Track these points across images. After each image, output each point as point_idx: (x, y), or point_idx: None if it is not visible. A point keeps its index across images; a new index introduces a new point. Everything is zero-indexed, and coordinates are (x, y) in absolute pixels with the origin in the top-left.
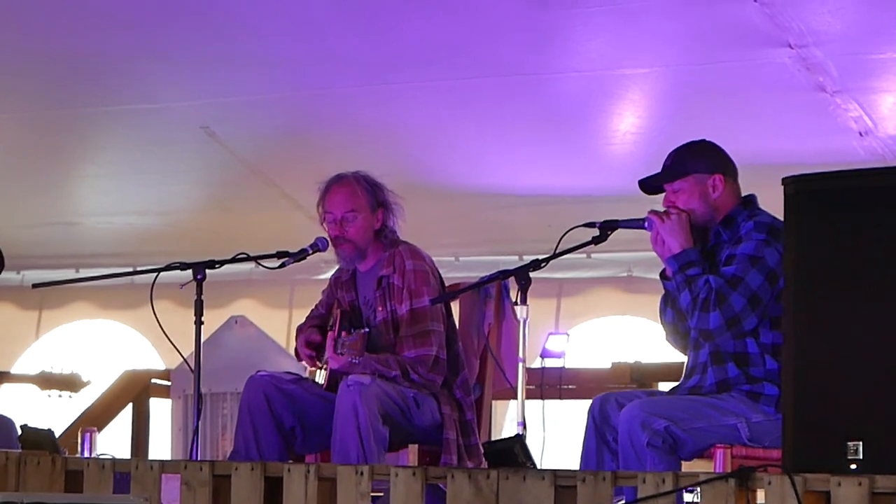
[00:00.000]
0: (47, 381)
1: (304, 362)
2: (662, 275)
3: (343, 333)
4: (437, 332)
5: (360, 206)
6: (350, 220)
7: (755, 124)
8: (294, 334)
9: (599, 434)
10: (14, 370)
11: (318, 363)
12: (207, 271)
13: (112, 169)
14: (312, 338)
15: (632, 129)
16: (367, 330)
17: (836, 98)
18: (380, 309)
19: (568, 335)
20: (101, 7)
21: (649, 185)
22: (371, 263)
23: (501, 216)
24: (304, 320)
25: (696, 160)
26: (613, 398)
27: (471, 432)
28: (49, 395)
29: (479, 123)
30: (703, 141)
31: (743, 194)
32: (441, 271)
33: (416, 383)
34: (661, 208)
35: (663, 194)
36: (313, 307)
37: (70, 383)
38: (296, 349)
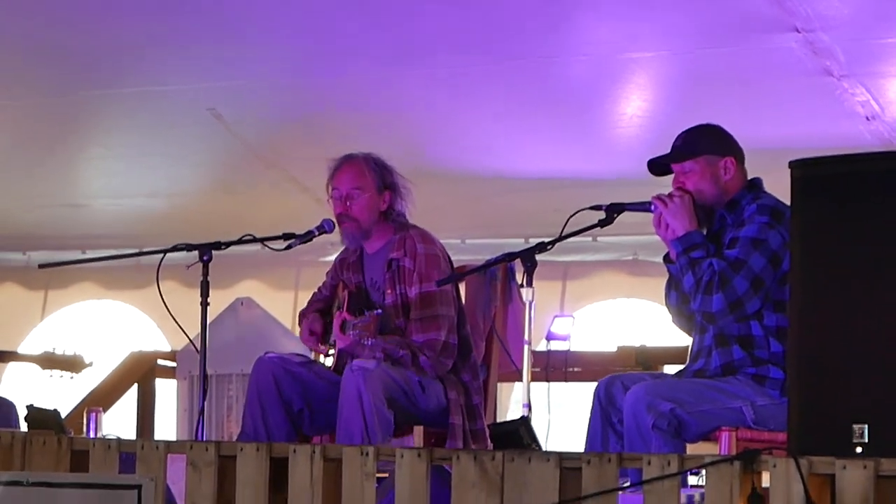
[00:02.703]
0: (50, 361)
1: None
2: (666, 258)
3: (348, 315)
4: (448, 317)
5: (365, 184)
6: (355, 198)
7: (762, 108)
8: (299, 317)
9: (605, 416)
10: (20, 350)
11: (321, 349)
12: (213, 252)
13: (119, 151)
14: (314, 327)
15: (638, 112)
16: (380, 311)
17: (843, 82)
18: (389, 291)
19: (573, 318)
20: None
21: (657, 167)
22: (379, 245)
23: (508, 199)
24: (306, 304)
25: (708, 142)
26: (619, 380)
27: (477, 416)
28: (51, 376)
29: (486, 108)
30: (712, 124)
31: (748, 178)
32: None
33: (424, 367)
34: (668, 191)
35: (671, 176)
36: (316, 289)
37: (72, 364)
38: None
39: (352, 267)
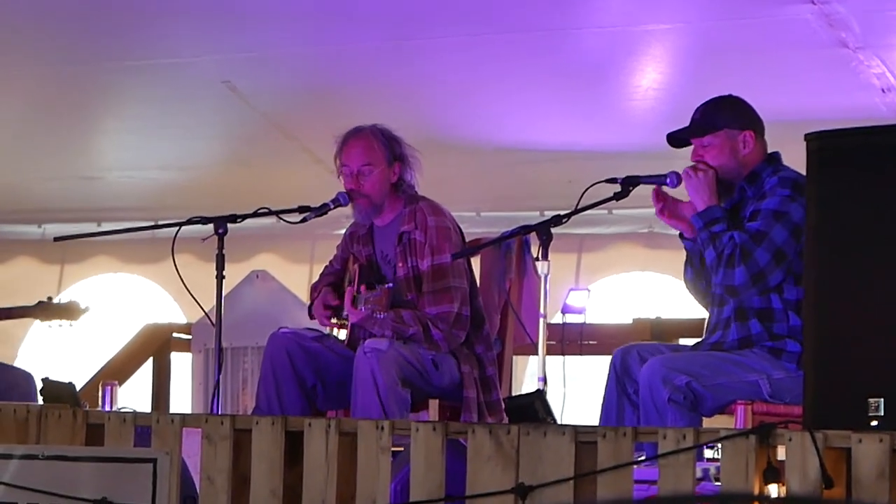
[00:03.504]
0: (46, 310)
1: (318, 321)
2: (681, 235)
3: (362, 288)
4: (460, 289)
5: (376, 159)
6: (366, 174)
7: (777, 81)
8: (310, 291)
9: (620, 386)
10: (35, 324)
11: (335, 323)
12: (229, 226)
13: (134, 123)
14: (328, 300)
15: (654, 85)
16: (391, 285)
17: (858, 54)
18: (400, 265)
19: (589, 291)
20: None
21: (676, 139)
22: (389, 218)
23: (523, 172)
24: (318, 278)
25: (727, 115)
26: (635, 350)
27: (492, 388)
28: (50, 326)
29: (501, 79)
30: (732, 96)
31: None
32: (462, 227)
33: (437, 340)
34: (680, 164)
35: (690, 148)
36: (327, 263)
37: (69, 311)
38: (310, 309)
39: (362, 240)
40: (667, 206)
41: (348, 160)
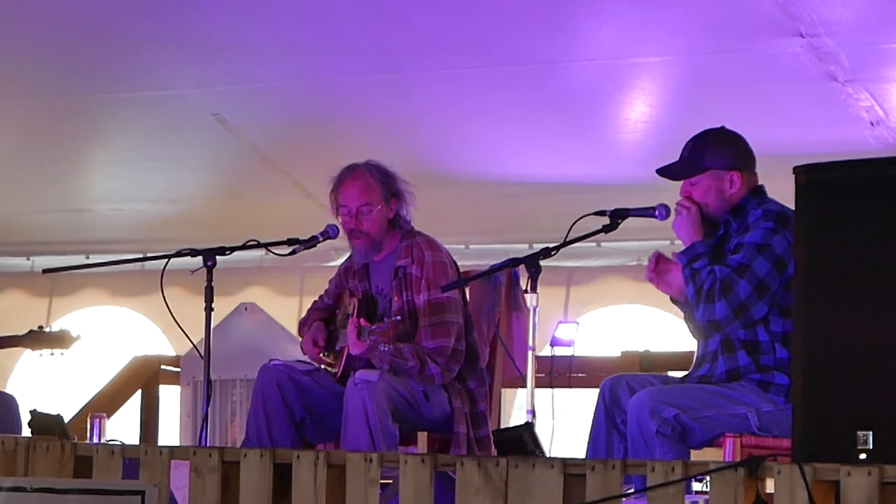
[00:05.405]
0: (37, 340)
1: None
2: (672, 298)
3: (364, 322)
4: (456, 324)
5: (374, 198)
6: (365, 213)
7: (766, 114)
8: (299, 326)
9: (609, 416)
10: (24, 357)
11: (323, 360)
12: (218, 258)
13: (123, 156)
14: (317, 337)
15: (642, 118)
16: (399, 318)
17: (847, 88)
18: (395, 299)
19: (578, 323)
20: None
21: (666, 172)
22: (386, 253)
23: (512, 204)
24: (306, 313)
25: (714, 155)
26: (624, 381)
27: (482, 424)
28: (41, 355)
29: (490, 112)
30: (722, 131)
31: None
32: None
33: (433, 375)
34: (669, 197)
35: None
36: (317, 298)
37: (60, 340)
38: (302, 344)
39: (357, 275)
40: (658, 272)
41: (346, 200)
